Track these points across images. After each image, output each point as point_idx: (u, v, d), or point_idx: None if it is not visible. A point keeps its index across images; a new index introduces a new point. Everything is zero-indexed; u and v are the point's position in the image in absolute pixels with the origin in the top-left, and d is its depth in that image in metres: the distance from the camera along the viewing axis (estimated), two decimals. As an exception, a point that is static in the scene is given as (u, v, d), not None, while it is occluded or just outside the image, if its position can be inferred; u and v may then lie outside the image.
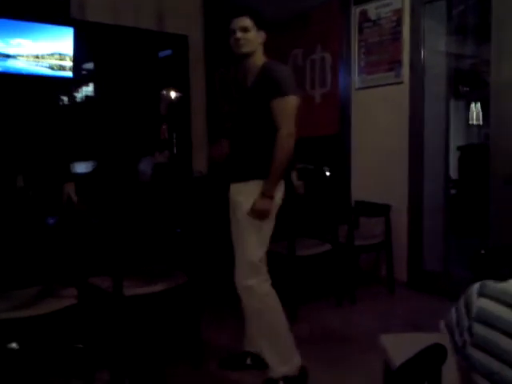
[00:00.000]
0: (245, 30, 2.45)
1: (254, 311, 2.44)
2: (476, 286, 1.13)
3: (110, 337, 2.52)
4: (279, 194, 2.47)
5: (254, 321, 2.47)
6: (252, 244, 2.42)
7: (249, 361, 2.66)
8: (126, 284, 2.44)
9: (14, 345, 2.48)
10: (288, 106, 2.37)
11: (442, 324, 1.27)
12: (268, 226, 2.45)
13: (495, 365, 1.05)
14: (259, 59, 2.50)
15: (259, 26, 2.48)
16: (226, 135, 2.80)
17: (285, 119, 2.36)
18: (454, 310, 1.21)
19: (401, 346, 1.78)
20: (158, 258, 2.89)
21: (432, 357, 1.39)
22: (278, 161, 2.35)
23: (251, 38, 2.46)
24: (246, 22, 2.46)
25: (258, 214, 2.39)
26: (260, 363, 2.53)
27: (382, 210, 3.90)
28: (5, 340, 2.41)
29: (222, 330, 3.13)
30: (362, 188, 4.33)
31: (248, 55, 2.49)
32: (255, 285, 2.40)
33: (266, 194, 2.38)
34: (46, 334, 2.49)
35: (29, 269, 2.29)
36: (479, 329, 1.08)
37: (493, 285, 1.12)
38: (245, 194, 2.43)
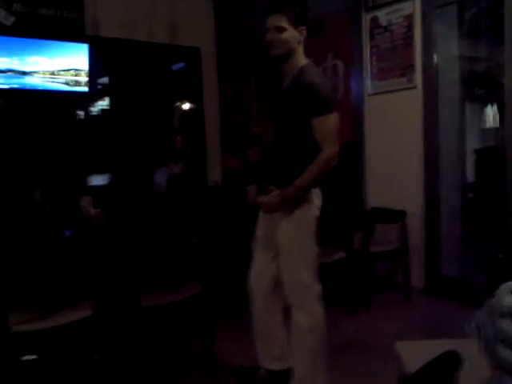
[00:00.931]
0: (278, 29, 2.20)
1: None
2: (507, 284, 1.14)
3: (125, 347, 2.53)
4: (316, 204, 2.34)
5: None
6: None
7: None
8: (142, 295, 2.46)
9: (31, 356, 2.51)
10: (330, 124, 2.24)
11: (471, 325, 1.26)
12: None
13: None
14: (297, 61, 2.27)
15: (298, 22, 2.21)
16: (254, 141, 2.72)
17: (327, 139, 2.22)
18: (482, 309, 1.21)
19: (416, 353, 1.76)
20: (174, 269, 2.91)
21: (445, 364, 1.38)
22: (309, 177, 2.24)
23: (285, 38, 2.21)
24: (280, 20, 2.20)
25: (262, 205, 2.35)
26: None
27: (397, 216, 3.87)
28: (22, 352, 2.45)
29: (236, 340, 3.13)
30: (378, 194, 4.30)
31: (284, 57, 2.27)
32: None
33: (283, 196, 2.27)
34: (62, 345, 2.52)
35: (46, 281, 2.32)
36: (510, 325, 1.08)
37: None
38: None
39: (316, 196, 2.35)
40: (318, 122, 2.21)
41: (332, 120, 2.24)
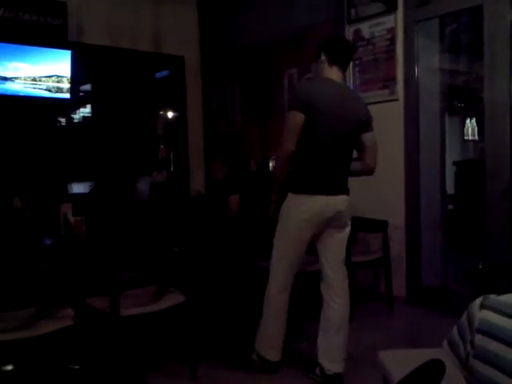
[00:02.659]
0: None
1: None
2: (478, 300, 1.15)
3: (106, 357, 2.49)
4: (294, 206, 2.62)
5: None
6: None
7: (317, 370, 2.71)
8: (123, 304, 2.43)
9: (9, 367, 2.45)
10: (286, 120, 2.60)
11: (444, 342, 1.27)
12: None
13: (496, 375, 1.05)
14: None
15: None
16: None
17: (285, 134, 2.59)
18: (456, 326, 1.22)
19: (400, 362, 1.77)
20: (156, 278, 2.87)
21: (430, 372, 1.38)
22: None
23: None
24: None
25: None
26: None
27: (379, 226, 3.90)
28: (1, 362, 2.39)
29: (219, 349, 3.11)
30: (359, 204, 4.31)
31: None
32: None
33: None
34: (42, 355, 2.47)
35: (25, 289, 2.28)
36: (481, 340, 1.10)
37: (494, 297, 1.13)
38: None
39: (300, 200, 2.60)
40: None
41: (288, 116, 2.59)
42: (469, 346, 1.14)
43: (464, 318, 1.19)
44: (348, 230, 2.71)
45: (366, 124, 2.69)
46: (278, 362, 2.75)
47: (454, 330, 1.22)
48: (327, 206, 2.56)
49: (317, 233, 2.65)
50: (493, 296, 1.14)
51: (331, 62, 2.66)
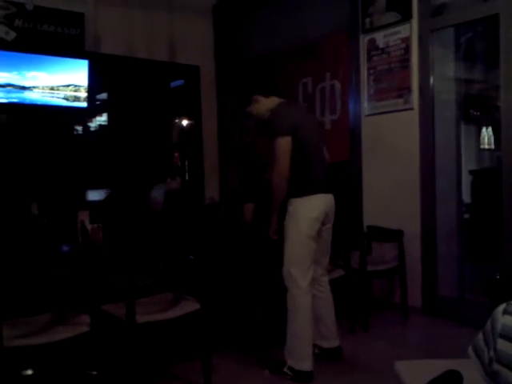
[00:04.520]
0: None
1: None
2: (502, 306, 1.16)
3: (122, 363, 2.51)
4: (301, 207, 2.82)
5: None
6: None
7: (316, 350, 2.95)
8: (139, 311, 2.44)
9: (28, 371, 2.48)
10: (276, 146, 2.80)
11: (470, 348, 1.27)
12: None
13: None
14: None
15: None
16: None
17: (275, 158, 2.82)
18: (482, 331, 1.23)
19: (416, 373, 1.76)
20: (171, 285, 2.89)
21: (447, 383, 1.37)
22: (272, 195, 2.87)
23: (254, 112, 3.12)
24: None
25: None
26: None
27: (394, 236, 3.88)
28: (19, 367, 2.42)
29: (234, 357, 3.11)
30: (375, 213, 4.31)
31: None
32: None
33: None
34: (59, 360, 2.49)
35: (43, 296, 2.31)
36: (503, 345, 1.10)
37: None
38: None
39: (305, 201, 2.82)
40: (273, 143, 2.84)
41: (278, 142, 2.79)
42: (492, 352, 1.14)
43: (488, 324, 1.19)
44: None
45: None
46: (312, 371, 2.76)
47: (480, 336, 1.23)
48: (326, 203, 2.88)
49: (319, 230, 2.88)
50: None
51: (266, 96, 3.04)
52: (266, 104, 3.01)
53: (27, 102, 4.62)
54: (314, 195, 2.84)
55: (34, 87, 4.64)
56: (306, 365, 2.74)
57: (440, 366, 1.51)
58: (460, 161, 4.14)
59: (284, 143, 2.77)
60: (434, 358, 2.04)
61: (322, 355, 2.99)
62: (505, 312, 1.13)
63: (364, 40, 4.36)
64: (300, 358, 2.76)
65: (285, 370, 2.79)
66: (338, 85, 4.66)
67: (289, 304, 2.79)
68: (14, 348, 2.14)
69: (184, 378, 2.83)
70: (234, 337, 3.42)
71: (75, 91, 4.84)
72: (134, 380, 2.52)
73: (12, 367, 2.32)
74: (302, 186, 2.84)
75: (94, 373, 2.37)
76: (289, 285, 2.80)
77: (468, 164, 5.76)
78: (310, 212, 2.81)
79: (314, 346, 2.91)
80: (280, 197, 2.82)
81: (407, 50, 4.03)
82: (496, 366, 1.13)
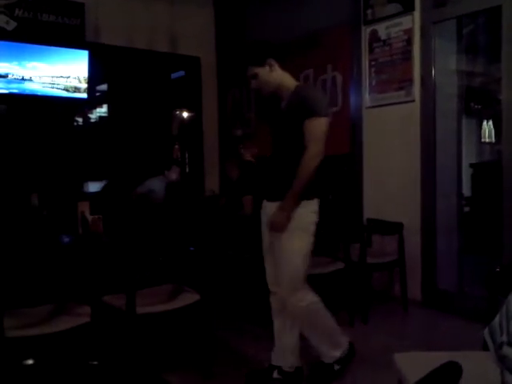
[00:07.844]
0: (253, 77, 2.56)
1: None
2: None
3: (123, 354, 2.52)
4: (313, 212, 2.52)
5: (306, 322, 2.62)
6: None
7: (275, 374, 2.64)
8: (139, 302, 2.45)
9: (29, 362, 2.49)
10: (319, 126, 2.43)
11: (485, 330, 1.28)
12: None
13: None
14: (288, 85, 2.57)
15: (262, 61, 2.53)
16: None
17: (313, 139, 2.42)
18: (498, 313, 1.23)
19: (415, 365, 1.76)
20: (171, 277, 2.90)
21: (446, 375, 1.38)
22: (299, 179, 2.41)
23: (264, 79, 2.55)
24: (251, 70, 2.56)
25: (273, 225, 2.48)
26: (287, 376, 2.61)
27: (394, 228, 3.88)
28: (20, 357, 2.43)
29: (234, 348, 3.12)
30: (375, 206, 4.31)
31: (275, 91, 2.58)
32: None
33: (283, 209, 2.44)
34: (60, 351, 2.50)
35: (43, 287, 2.31)
36: None
37: None
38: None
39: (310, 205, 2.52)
40: (309, 123, 2.42)
41: (321, 122, 2.44)
42: (505, 336, 1.15)
43: (504, 307, 1.19)
44: None
45: None
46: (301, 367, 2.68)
47: (496, 318, 1.23)
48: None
49: None
50: None
51: (282, 68, 2.61)
52: (280, 75, 2.57)
53: (27, 92, 4.61)
54: (318, 199, 2.57)
55: (34, 78, 4.62)
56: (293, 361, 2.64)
57: (439, 357, 1.52)
58: (461, 154, 4.13)
59: (326, 124, 2.44)
60: (434, 350, 2.04)
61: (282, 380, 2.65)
62: None
63: (366, 32, 4.34)
64: (342, 345, 2.69)
65: (274, 375, 2.63)
66: (339, 77, 4.64)
67: (303, 316, 2.59)
68: (15, 338, 2.15)
69: (185, 369, 2.84)
70: (233, 328, 3.44)
71: (75, 82, 4.83)
72: (136, 370, 2.53)
73: (13, 357, 2.33)
74: (312, 187, 2.50)
75: (95, 363, 2.39)
76: (296, 302, 2.53)
77: (468, 157, 5.76)
78: (316, 217, 2.55)
79: (274, 367, 2.65)
80: (307, 183, 2.44)
81: (409, 41, 4.01)
82: (505, 350, 1.13)
